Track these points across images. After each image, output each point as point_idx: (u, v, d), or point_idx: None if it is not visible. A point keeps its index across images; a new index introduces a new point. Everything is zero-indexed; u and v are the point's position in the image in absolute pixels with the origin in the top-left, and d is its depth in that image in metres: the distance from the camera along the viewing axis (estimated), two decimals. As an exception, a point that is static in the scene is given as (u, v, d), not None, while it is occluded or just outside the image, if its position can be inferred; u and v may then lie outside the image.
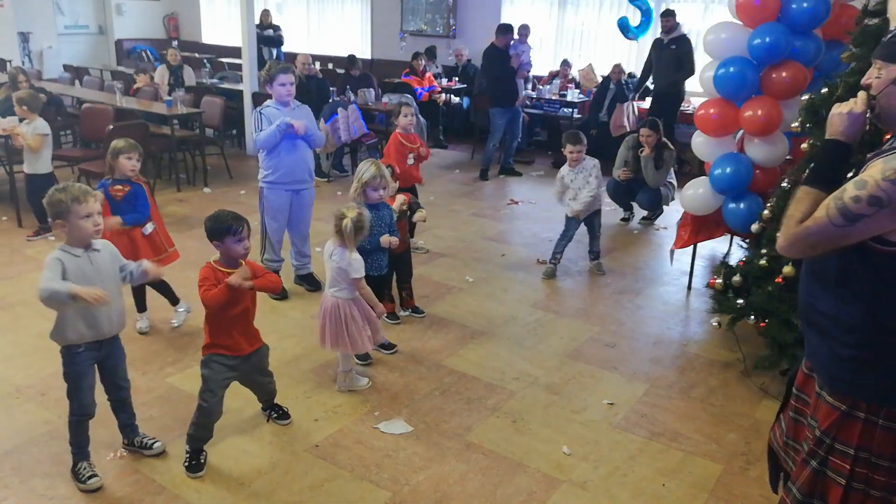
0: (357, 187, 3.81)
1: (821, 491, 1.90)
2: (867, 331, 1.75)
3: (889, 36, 1.82)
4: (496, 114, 7.93)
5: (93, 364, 2.78)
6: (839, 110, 1.84)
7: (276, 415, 3.31)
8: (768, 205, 3.78)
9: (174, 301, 4.23)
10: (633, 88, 8.53)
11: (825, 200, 1.72)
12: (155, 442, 3.04)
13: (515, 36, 8.03)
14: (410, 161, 5.16)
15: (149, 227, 3.94)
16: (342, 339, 3.41)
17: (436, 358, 3.96)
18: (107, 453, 3.02)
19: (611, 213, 6.87)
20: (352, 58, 9.33)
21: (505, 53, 7.75)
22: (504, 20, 9.23)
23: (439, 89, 9.54)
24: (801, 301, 1.94)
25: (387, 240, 3.82)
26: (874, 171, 1.67)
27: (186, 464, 2.94)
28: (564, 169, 5.08)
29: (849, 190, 1.68)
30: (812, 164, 1.82)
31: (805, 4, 4.28)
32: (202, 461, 2.97)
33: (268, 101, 4.45)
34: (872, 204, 1.64)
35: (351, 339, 3.41)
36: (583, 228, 5.25)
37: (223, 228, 2.81)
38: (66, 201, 2.59)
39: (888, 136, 1.87)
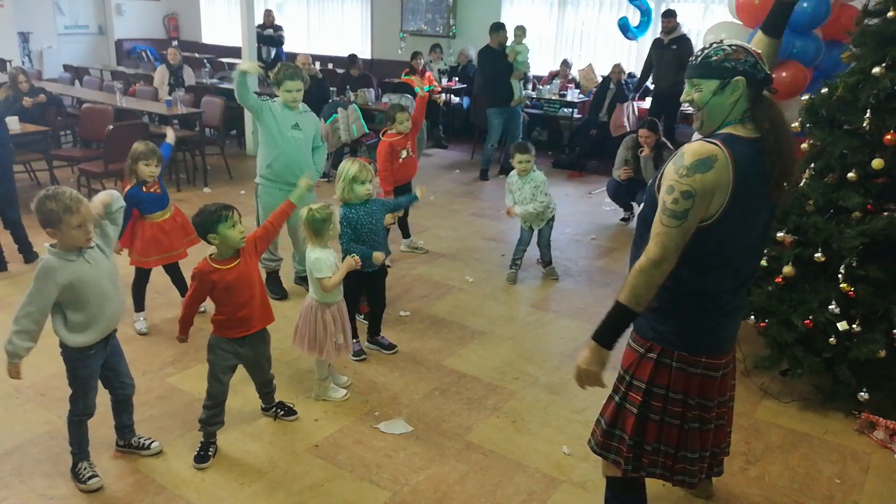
0: (345, 186, 3.68)
1: (621, 421, 2.32)
2: (668, 287, 2.09)
3: (699, 57, 2.11)
4: (492, 114, 7.95)
5: (100, 364, 2.78)
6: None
7: (282, 412, 3.32)
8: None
9: (185, 293, 4.30)
10: (633, 88, 8.53)
11: (657, 218, 2.04)
12: (152, 442, 3.04)
13: (511, 37, 8.03)
14: (404, 155, 5.14)
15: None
16: (311, 342, 3.35)
17: (436, 358, 3.96)
18: (107, 453, 3.02)
19: (611, 213, 6.88)
20: (352, 57, 9.31)
21: (499, 53, 7.74)
22: (504, 20, 9.23)
23: (439, 89, 9.54)
24: (630, 265, 2.28)
25: (379, 256, 3.72)
26: (671, 175, 2.02)
27: (195, 453, 2.99)
28: (513, 176, 5.00)
29: (666, 201, 2.02)
30: (603, 324, 2.14)
31: (805, 4, 4.29)
32: (210, 454, 2.99)
33: (276, 98, 4.42)
34: (687, 197, 1.99)
35: (319, 343, 3.34)
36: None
37: (214, 219, 2.83)
38: (57, 211, 2.47)
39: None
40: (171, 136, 4.38)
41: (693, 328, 2.18)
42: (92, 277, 2.61)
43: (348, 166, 3.71)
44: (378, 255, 3.71)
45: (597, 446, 2.43)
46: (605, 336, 2.12)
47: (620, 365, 2.37)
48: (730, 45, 2.08)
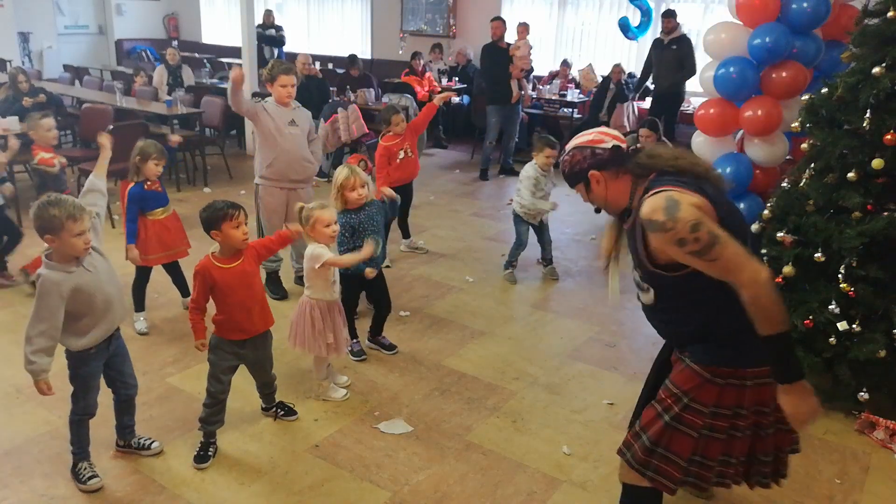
0: (335, 193, 3.66)
1: (666, 440, 2.19)
2: (704, 312, 2.09)
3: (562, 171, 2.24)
4: (490, 111, 7.97)
5: (102, 363, 2.78)
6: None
7: (282, 412, 3.32)
8: (768, 205, 3.78)
9: (186, 293, 4.33)
10: (633, 88, 8.53)
11: (716, 267, 1.93)
12: (153, 442, 3.04)
13: (514, 35, 8.02)
14: (401, 156, 5.14)
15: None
16: (301, 338, 3.35)
17: (436, 358, 3.96)
18: (107, 453, 3.02)
19: (611, 213, 6.87)
20: (352, 57, 9.31)
21: (501, 51, 7.74)
22: (504, 20, 9.23)
23: (439, 89, 9.55)
24: (658, 327, 2.31)
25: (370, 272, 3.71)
26: (669, 244, 1.96)
27: (195, 453, 2.99)
28: (536, 169, 4.93)
29: (698, 253, 1.93)
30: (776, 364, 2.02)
31: (805, 4, 4.29)
32: (210, 454, 3.00)
33: (268, 98, 4.43)
34: (697, 228, 1.90)
35: (307, 339, 3.34)
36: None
37: (219, 216, 2.84)
38: (59, 217, 2.42)
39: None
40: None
41: (749, 341, 2.01)
42: (94, 284, 2.59)
43: (336, 173, 3.70)
44: (370, 272, 3.69)
45: (634, 461, 2.27)
46: (789, 371, 1.98)
47: (673, 382, 2.22)
48: (569, 150, 2.20)
